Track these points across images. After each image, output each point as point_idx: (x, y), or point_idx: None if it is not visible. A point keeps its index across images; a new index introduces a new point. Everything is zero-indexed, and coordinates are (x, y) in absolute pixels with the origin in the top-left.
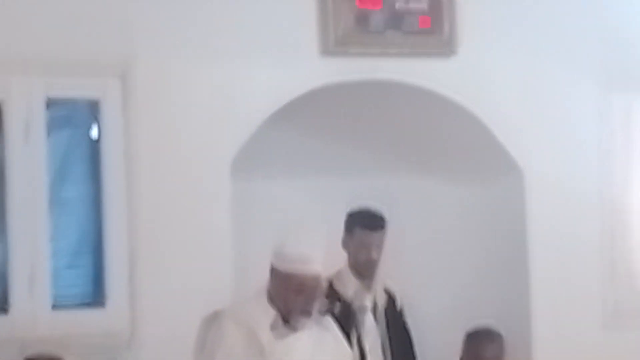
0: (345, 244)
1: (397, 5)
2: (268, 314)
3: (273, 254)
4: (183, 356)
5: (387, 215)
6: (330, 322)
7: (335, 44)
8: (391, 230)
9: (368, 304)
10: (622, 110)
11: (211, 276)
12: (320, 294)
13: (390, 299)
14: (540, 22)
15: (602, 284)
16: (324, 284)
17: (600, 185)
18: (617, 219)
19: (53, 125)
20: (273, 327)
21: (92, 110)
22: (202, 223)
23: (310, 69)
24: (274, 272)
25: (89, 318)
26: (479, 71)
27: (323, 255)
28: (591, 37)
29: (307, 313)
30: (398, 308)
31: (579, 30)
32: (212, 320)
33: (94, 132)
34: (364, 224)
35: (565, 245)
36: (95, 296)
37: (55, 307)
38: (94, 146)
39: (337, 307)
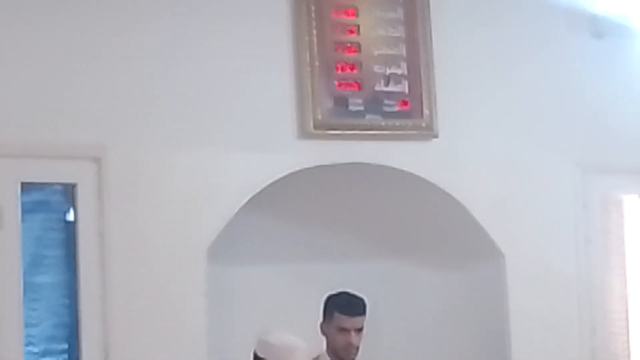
0: (324, 329)
1: (377, 88)
2: None
3: (257, 342)
4: None
5: (366, 300)
6: None
7: (314, 126)
8: (371, 314)
9: None
10: (600, 193)
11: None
12: None
13: None
14: (519, 106)
15: None
16: None
17: (579, 269)
18: (597, 304)
19: (28, 209)
20: None
21: (68, 194)
22: (178, 309)
23: (289, 152)
24: None
25: None
26: (459, 154)
27: (306, 344)
28: (569, 121)
29: None
30: None
31: (557, 114)
32: None
33: (70, 216)
34: (343, 309)
35: (546, 331)
36: None
37: None
38: (69, 230)
39: None
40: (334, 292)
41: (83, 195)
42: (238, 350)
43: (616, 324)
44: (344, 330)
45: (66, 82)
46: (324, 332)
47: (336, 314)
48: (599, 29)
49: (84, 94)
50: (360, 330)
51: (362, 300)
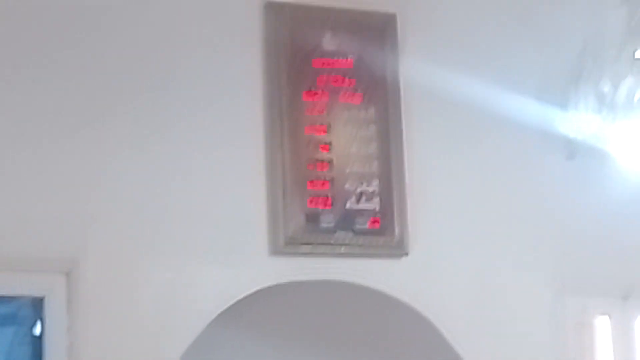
0: None
1: (348, 205)
2: None
3: None
4: None
5: None
6: None
7: (284, 243)
8: None
9: None
10: (573, 315)
11: None
12: None
13: None
14: (492, 226)
15: None
16: None
17: None
18: None
19: None
20: None
21: (36, 307)
22: None
23: (259, 268)
24: None
25: None
26: (430, 273)
27: None
28: (543, 241)
29: None
30: None
31: (531, 234)
32: None
33: (38, 330)
34: None
35: None
36: None
37: None
38: (37, 345)
39: None
40: None
41: (51, 309)
42: None
43: None
44: None
45: (35, 195)
46: None
47: None
48: (572, 150)
49: (53, 206)
50: None
51: None
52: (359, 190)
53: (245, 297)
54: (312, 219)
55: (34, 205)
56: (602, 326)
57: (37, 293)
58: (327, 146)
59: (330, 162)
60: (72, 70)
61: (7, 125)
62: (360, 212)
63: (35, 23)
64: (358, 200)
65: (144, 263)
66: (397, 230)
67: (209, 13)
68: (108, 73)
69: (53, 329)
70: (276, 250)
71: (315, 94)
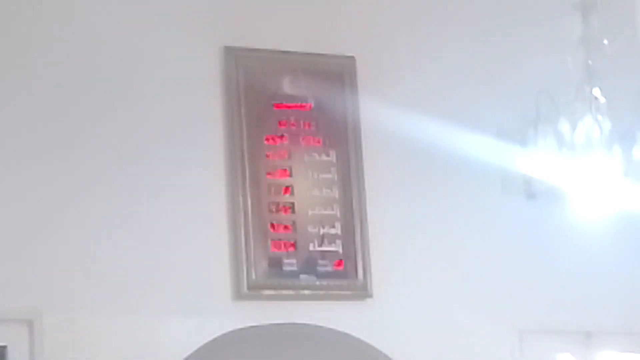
0: None
1: (311, 248)
2: None
3: None
4: None
5: None
6: None
7: (248, 287)
8: None
9: None
10: (536, 354)
11: None
12: None
13: None
14: (455, 267)
15: None
16: None
17: None
18: None
19: None
20: None
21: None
22: None
23: (223, 314)
24: None
25: None
26: (394, 314)
27: None
28: (505, 282)
29: None
30: None
31: (493, 276)
32: None
33: None
34: None
35: None
36: None
37: None
38: None
39: None
40: None
41: (13, 359)
42: None
43: None
44: None
45: None
46: None
47: None
48: (532, 190)
49: (17, 257)
50: None
51: None
52: (321, 232)
53: (209, 343)
54: (275, 263)
55: None
56: None
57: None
58: (289, 189)
59: (292, 205)
60: (40, 142)
61: None
62: (323, 254)
63: None
64: (321, 243)
65: (108, 314)
66: (360, 273)
67: (169, 57)
68: (77, 148)
69: None
70: (240, 295)
71: (276, 138)
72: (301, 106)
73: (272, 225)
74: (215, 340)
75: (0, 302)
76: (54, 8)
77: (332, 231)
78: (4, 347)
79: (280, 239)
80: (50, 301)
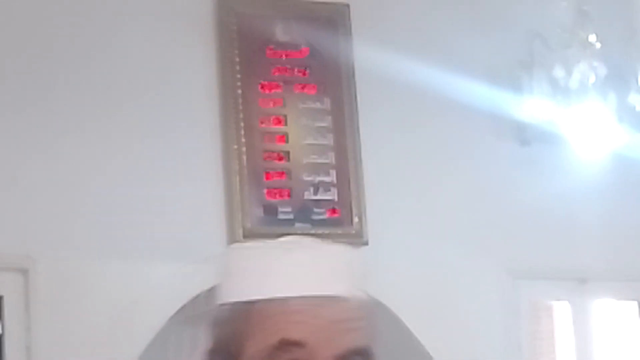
0: None
1: (306, 196)
2: None
3: None
4: None
5: None
6: None
7: (243, 235)
8: None
9: None
10: (530, 299)
11: None
12: None
13: None
14: (449, 213)
15: None
16: None
17: None
18: None
19: None
20: None
21: None
22: None
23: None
24: None
25: None
26: (389, 261)
27: None
28: (498, 227)
29: None
30: None
31: (486, 220)
32: None
33: None
34: None
35: None
36: None
37: None
38: None
39: None
40: None
41: (9, 308)
42: None
43: None
44: None
45: None
46: None
47: None
48: (525, 136)
49: (9, 206)
50: None
51: None
52: (316, 180)
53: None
54: (270, 211)
55: None
56: (561, 310)
57: None
58: (284, 137)
59: (287, 153)
60: (35, 92)
61: None
62: (318, 202)
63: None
64: (316, 191)
65: (102, 260)
66: (355, 220)
67: (163, 2)
68: (69, 94)
69: (11, 328)
70: (234, 242)
71: (270, 85)
72: (295, 53)
73: (267, 174)
74: (212, 288)
75: None
76: None
77: (327, 179)
78: (0, 297)
79: (275, 187)
80: (44, 249)
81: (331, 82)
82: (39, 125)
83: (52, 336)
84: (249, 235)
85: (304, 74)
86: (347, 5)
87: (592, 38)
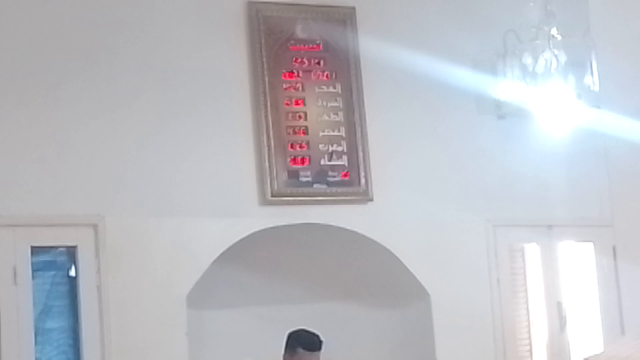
0: (288, 358)
1: (322, 163)
2: None
3: None
4: None
5: (322, 337)
6: None
7: (271, 195)
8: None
9: None
10: (507, 243)
11: None
12: None
13: None
14: (440, 174)
15: None
16: None
17: (492, 305)
18: (507, 333)
19: (38, 268)
20: None
21: (70, 254)
22: (164, 347)
23: (251, 216)
24: None
25: None
26: (391, 214)
27: None
28: (481, 185)
29: None
30: None
31: (471, 180)
32: None
33: (72, 273)
34: (306, 346)
35: (468, 354)
36: None
37: None
38: (72, 284)
39: None
40: (294, 328)
41: (83, 256)
42: None
43: (522, 348)
44: None
45: (67, 163)
46: None
47: (300, 350)
48: (501, 111)
49: (83, 174)
50: None
51: (319, 337)
52: (330, 150)
53: (240, 241)
54: (293, 174)
55: (67, 173)
56: (531, 251)
57: (70, 243)
58: (303, 115)
59: (306, 128)
60: (101, 77)
61: (52, 118)
62: (332, 167)
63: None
64: (330, 159)
65: (157, 216)
66: (363, 181)
67: (202, 12)
68: (130, 79)
69: (85, 272)
70: (265, 201)
71: (292, 74)
72: (311, 47)
73: (290, 145)
74: (246, 237)
75: (70, 210)
76: None
77: (339, 148)
78: (75, 247)
79: (297, 156)
80: (110, 208)
81: (341, 70)
82: (109, 106)
83: (117, 277)
84: (276, 195)
85: (319, 64)
86: (354, 8)
87: (554, 32)
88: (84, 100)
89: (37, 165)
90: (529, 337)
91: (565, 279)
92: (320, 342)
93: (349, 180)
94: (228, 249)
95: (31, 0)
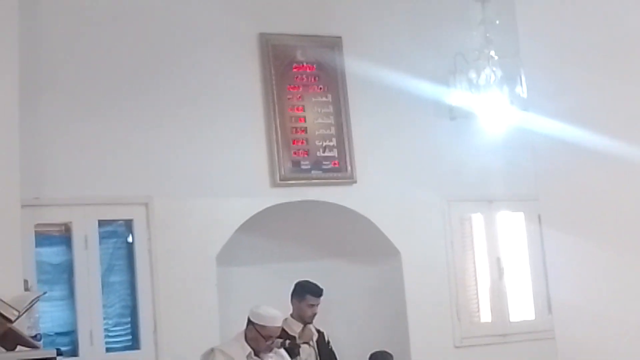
0: (296, 303)
1: (318, 155)
2: (245, 349)
3: (251, 314)
4: None
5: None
6: (284, 353)
7: (280, 179)
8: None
9: (307, 339)
10: (458, 214)
11: (205, 328)
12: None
13: (321, 334)
14: (405, 163)
15: (452, 322)
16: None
17: (447, 261)
18: (459, 282)
19: (104, 237)
20: (248, 358)
21: (128, 226)
22: (198, 296)
23: (264, 196)
24: (252, 324)
25: (129, 357)
26: (370, 192)
27: (280, 312)
28: (437, 170)
29: (270, 350)
30: (326, 340)
31: (418, 167)
32: (208, 354)
33: (130, 240)
34: (313, 292)
35: (429, 300)
36: (133, 343)
37: (108, 350)
38: (130, 249)
39: (287, 343)
40: (301, 280)
41: (137, 227)
42: (239, 322)
43: (470, 292)
44: (312, 306)
45: (126, 158)
46: (295, 305)
47: (308, 296)
48: (453, 114)
49: (138, 165)
50: (319, 305)
51: (321, 287)
52: (324, 145)
53: (256, 214)
54: (296, 163)
55: (124, 164)
56: (477, 220)
57: (128, 217)
58: (303, 119)
59: (305, 129)
60: (152, 93)
61: (111, 113)
62: (326, 158)
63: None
64: (324, 151)
65: (194, 197)
66: (349, 168)
67: (224, 43)
68: (172, 94)
69: (139, 239)
70: (275, 184)
71: (294, 87)
72: (309, 67)
73: (294, 141)
74: (260, 212)
75: (128, 193)
76: None
77: (330, 144)
78: (131, 220)
79: (298, 150)
80: (158, 191)
81: (331, 84)
82: (158, 117)
83: (164, 243)
84: (283, 179)
85: (314, 80)
86: (340, 37)
87: (492, 54)
88: (139, 110)
89: (103, 160)
90: (476, 284)
91: (502, 241)
92: (323, 290)
93: (338, 167)
94: (247, 221)
95: (104, 40)
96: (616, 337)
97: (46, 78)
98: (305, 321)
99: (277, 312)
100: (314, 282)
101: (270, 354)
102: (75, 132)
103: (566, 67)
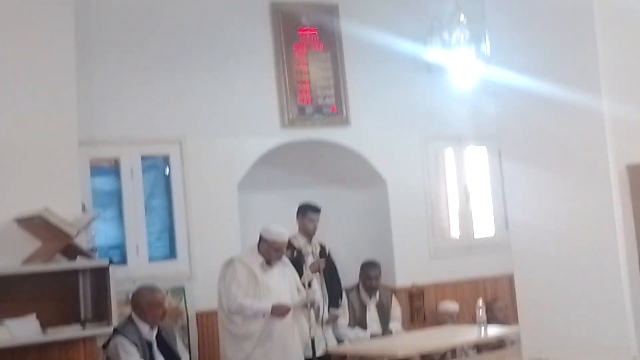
0: (300, 220)
1: (319, 102)
2: (258, 259)
3: (263, 230)
4: (215, 283)
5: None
6: (288, 261)
7: (288, 122)
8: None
9: (310, 250)
10: (434, 149)
11: (228, 242)
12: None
13: (322, 247)
14: (389, 109)
15: (427, 237)
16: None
17: (425, 188)
18: (434, 205)
19: (146, 169)
20: (261, 266)
21: (165, 160)
22: (222, 216)
23: (276, 135)
24: (263, 239)
25: (168, 265)
26: (362, 131)
27: (288, 230)
28: (414, 115)
29: (279, 259)
30: (327, 251)
31: (409, 113)
32: (228, 263)
33: (167, 172)
34: (312, 209)
35: (409, 219)
36: (171, 254)
37: (150, 260)
38: (167, 180)
39: (294, 254)
40: (303, 201)
41: (173, 161)
42: (256, 236)
43: (442, 214)
44: (312, 220)
45: (165, 106)
46: (300, 221)
47: (309, 212)
48: (430, 68)
49: (173, 111)
50: (318, 220)
51: (319, 206)
52: (324, 94)
53: (270, 150)
54: (301, 109)
55: (163, 109)
56: (449, 153)
57: (165, 154)
58: (306, 72)
59: (308, 80)
60: (186, 55)
61: (148, 71)
62: (326, 104)
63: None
64: (324, 99)
65: (218, 136)
66: (344, 112)
67: (243, 10)
68: (200, 54)
69: (174, 171)
70: (284, 125)
71: (300, 46)
72: (311, 30)
73: (299, 91)
74: (273, 148)
75: (165, 132)
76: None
77: (329, 93)
78: (168, 156)
79: (303, 98)
80: (190, 131)
81: (330, 44)
82: (189, 73)
83: (195, 174)
84: (290, 122)
85: (316, 40)
86: (337, 4)
87: (462, 18)
88: (175, 66)
89: (145, 106)
90: (447, 207)
91: (469, 171)
92: (320, 208)
93: (335, 112)
94: (262, 156)
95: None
96: (562, 249)
97: (100, 38)
98: (309, 234)
99: (284, 229)
100: (314, 203)
101: (279, 263)
102: (123, 82)
103: (523, 29)
